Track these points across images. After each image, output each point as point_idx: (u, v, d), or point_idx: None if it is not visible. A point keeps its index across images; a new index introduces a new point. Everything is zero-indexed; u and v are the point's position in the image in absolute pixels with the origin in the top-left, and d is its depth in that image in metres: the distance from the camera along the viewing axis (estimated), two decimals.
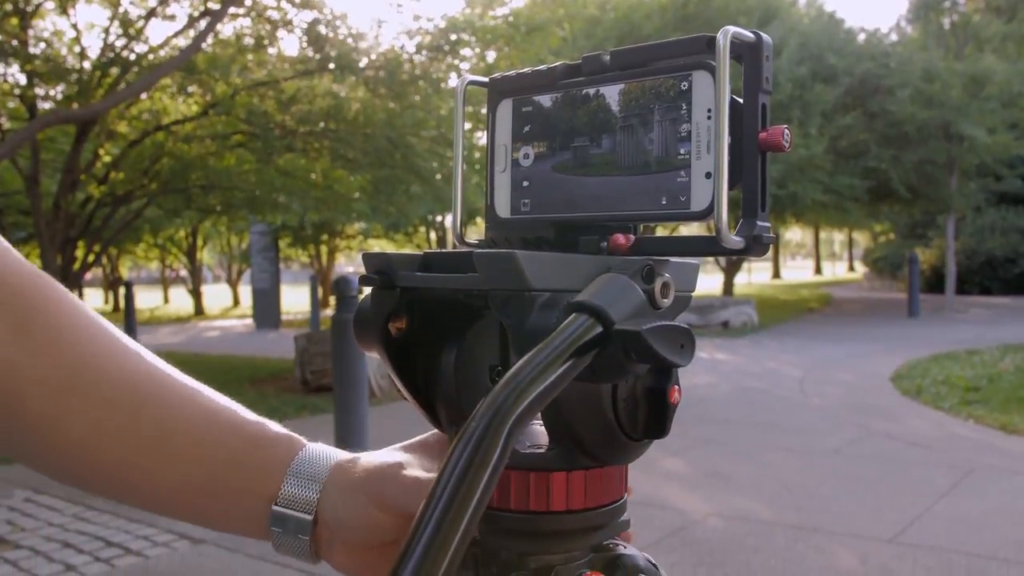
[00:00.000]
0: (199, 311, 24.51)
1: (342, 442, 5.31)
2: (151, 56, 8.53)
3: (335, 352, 5.55)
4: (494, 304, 0.45)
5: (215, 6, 7.69)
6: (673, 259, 0.50)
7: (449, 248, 0.54)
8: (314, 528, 0.54)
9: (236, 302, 28.74)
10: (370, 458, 0.55)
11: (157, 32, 64.44)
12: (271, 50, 9.08)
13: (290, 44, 18.70)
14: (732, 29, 0.44)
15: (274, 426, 0.57)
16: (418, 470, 0.53)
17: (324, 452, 0.56)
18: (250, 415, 0.57)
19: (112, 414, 0.52)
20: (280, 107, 8.94)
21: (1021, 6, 20.27)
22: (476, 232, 0.60)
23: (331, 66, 8.74)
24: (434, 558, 0.32)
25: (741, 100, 0.46)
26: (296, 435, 0.57)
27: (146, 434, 0.52)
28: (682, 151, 0.48)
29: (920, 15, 22.02)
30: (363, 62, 8.93)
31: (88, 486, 0.55)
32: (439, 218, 20.32)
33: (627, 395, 0.47)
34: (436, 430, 0.57)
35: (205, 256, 32.63)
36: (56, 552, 3.97)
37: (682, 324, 0.41)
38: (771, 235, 0.46)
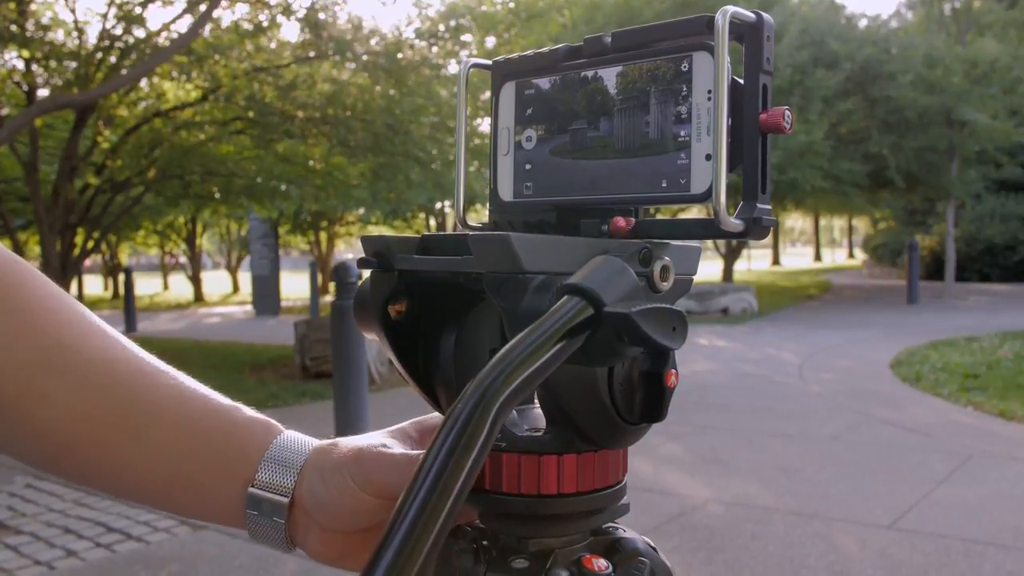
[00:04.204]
0: (199, 298, 24.53)
1: (342, 428, 5.32)
2: (149, 42, 8.50)
3: (335, 338, 5.55)
4: (489, 287, 0.45)
5: None
6: (674, 242, 0.49)
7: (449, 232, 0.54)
8: (290, 512, 0.53)
9: (236, 289, 28.77)
10: (351, 440, 0.54)
11: (156, 18, 64.25)
12: (270, 36, 9.05)
13: (290, 31, 18.64)
14: (732, 8, 0.44)
15: (249, 411, 0.56)
16: (403, 450, 0.53)
17: (301, 438, 0.56)
18: (224, 399, 0.56)
19: (87, 397, 0.51)
20: (279, 93, 8.92)
21: None
22: (476, 217, 0.60)
23: (330, 52, 8.71)
24: (416, 540, 0.32)
25: (742, 81, 0.45)
26: (273, 420, 0.57)
27: (120, 417, 0.52)
28: (682, 133, 0.47)
29: (923, 1, 21.95)
30: (362, 48, 8.90)
31: (60, 470, 0.54)
32: (438, 204, 20.30)
33: (623, 379, 0.47)
34: (415, 419, 0.57)
35: (204, 243, 32.63)
36: (57, 538, 3.99)
37: (674, 307, 0.41)
38: (772, 218, 0.46)
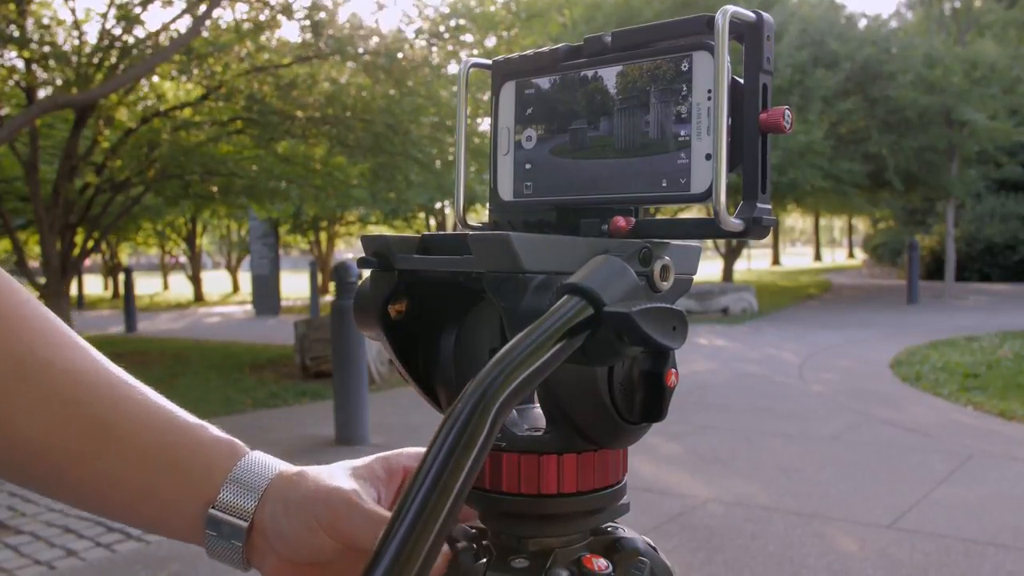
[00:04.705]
0: (199, 297, 24.54)
1: (342, 428, 5.32)
2: (149, 42, 8.51)
3: (334, 338, 5.55)
4: (489, 286, 0.45)
5: None
6: (674, 242, 0.49)
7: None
8: (249, 535, 0.53)
9: (235, 288, 28.78)
10: (319, 475, 0.54)
11: (155, 17, 64.23)
12: (270, 34, 9.05)
13: (290, 31, 18.64)
14: (732, 8, 0.44)
15: (215, 430, 0.56)
16: (371, 501, 0.52)
17: (266, 461, 0.56)
18: (190, 417, 0.56)
19: (54, 406, 0.52)
20: (279, 93, 8.92)
21: None
22: (476, 217, 0.60)
23: (329, 51, 8.71)
24: (416, 540, 0.32)
25: (742, 81, 0.45)
26: (238, 441, 0.57)
27: (86, 428, 0.52)
28: (682, 133, 0.47)
29: (923, 1, 21.95)
30: (362, 48, 8.90)
31: (27, 479, 0.54)
32: (438, 204, 20.31)
33: (624, 378, 0.47)
34: (382, 455, 0.57)
35: (204, 243, 32.63)
36: (57, 537, 3.98)
37: (674, 306, 0.41)
38: (772, 217, 0.46)
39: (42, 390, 0.51)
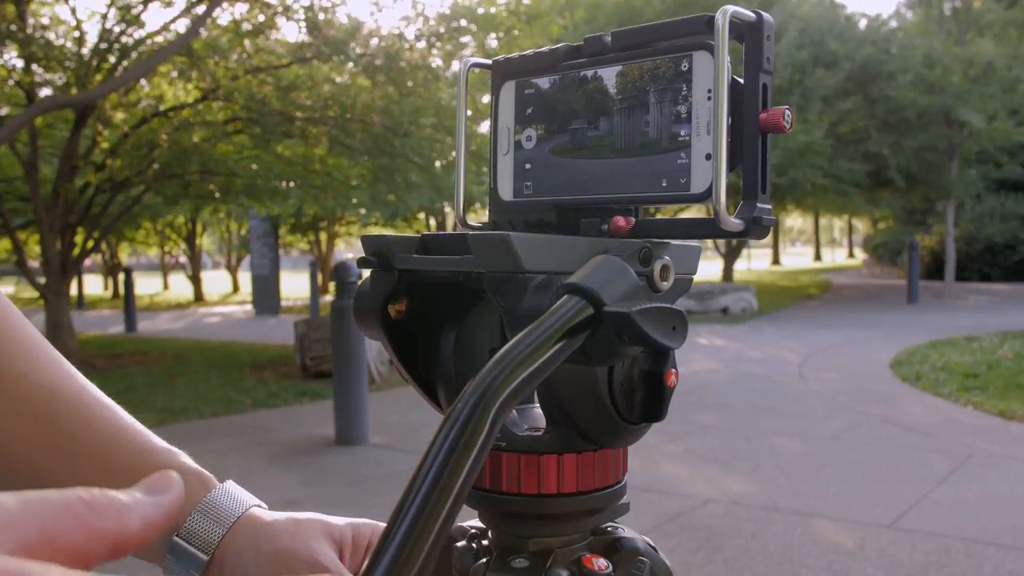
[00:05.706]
0: (199, 297, 24.55)
1: (342, 428, 5.32)
2: (149, 42, 8.51)
3: (334, 338, 5.55)
4: (489, 286, 0.45)
5: None
6: (674, 242, 0.49)
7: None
8: (207, 568, 0.54)
9: (235, 288, 28.78)
10: (295, 530, 0.54)
11: (155, 18, 64.20)
12: (267, 35, 9.05)
13: (289, 31, 18.63)
14: (732, 8, 0.44)
15: (185, 458, 0.57)
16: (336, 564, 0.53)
17: (236, 494, 0.56)
18: (161, 442, 0.56)
19: (25, 419, 0.52)
20: (278, 93, 8.93)
21: None
22: (476, 217, 0.60)
23: (328, 51, 8.71)
24: (415, 541, 0.32)
25: (742, 80, 0.45)
26: (207, 473, 0.57)
27: (54, 444, 0.53)
28: (682, 132, 0.47)
29: (923, 1, 21.96)
30: (361, 49, 8.90)
31: None
32: (438, 204, 20.32)
33: (623, 378, 0.47)
34: (353, 522, 0.57)
35: (204, 243, 32.63)
36: None
37: (674, 306, 0.41)
38: (772, 217, 0.46)
39: (13, 403, 0.52)
